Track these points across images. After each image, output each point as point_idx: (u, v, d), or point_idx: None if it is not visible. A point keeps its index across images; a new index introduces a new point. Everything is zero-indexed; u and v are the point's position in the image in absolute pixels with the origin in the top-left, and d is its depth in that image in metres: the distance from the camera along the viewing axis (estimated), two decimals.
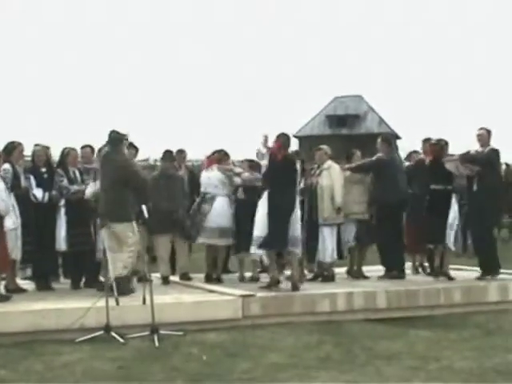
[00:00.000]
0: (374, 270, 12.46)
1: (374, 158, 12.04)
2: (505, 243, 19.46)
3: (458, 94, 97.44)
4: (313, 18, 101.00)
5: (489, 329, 9.81)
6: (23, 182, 10.39)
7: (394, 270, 11.84)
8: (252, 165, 11.69)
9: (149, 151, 11.54)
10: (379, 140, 12.18)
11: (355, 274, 12.07)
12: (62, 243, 10.69)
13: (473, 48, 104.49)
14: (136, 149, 11.97)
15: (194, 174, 13.29)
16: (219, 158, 11.79)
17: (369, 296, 10.47)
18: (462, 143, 12.19)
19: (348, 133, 60.90)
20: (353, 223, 11.84)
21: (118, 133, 10.13)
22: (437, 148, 11.82)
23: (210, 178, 11.59)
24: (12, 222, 9.86)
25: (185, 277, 11.63)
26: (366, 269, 12.38)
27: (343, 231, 11.85)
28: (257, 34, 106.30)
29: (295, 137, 60.99)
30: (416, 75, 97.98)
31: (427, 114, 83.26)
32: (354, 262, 12.21)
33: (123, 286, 9.49)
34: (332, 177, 11.40)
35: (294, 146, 49.56)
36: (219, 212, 11.40)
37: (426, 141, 12.25)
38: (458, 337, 9.30)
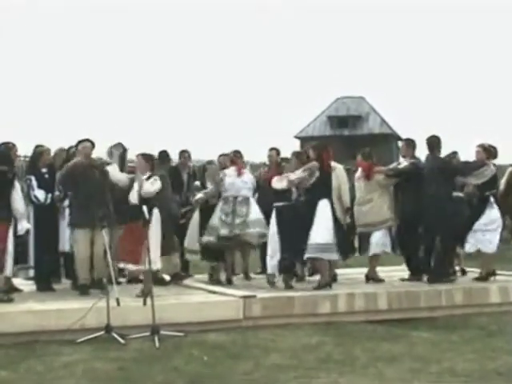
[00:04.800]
0: (390, 270, 12.51)
1: (408, 164, 11.71)
2: (505, 244, 19.41)
3: (460, 96, 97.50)
4: (315, 18, 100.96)
5: (490, 330, 9.79)
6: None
7: (420, 274, 11.78)
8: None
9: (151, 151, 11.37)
10: (404, 144, 12.10)
11: (370, 277, 11.94)
12: (65, 244, 10.70)
13: (477, 49, 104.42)
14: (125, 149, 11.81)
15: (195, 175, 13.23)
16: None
17: (370, 297, 10.45)
18: (465, 145, 12.13)
19: (349, 134, 60.86)
20: (383, 230, 11.68)
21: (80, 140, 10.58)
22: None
23: (247, 182, 11.61)
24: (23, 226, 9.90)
25: (176, 277, 11.58)
26: (386, 269, 12.41)
27: (375, 237, 11.64)
28: (259, 34, 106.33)
29: (297, 138, 61.06)
30: (418, 76, 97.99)
31: (429, 116, 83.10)
32: (374, 265, 12.00)
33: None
34: (338, 177, 11.30)
35: (296, 147, 49.73)
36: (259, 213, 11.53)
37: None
38: (460, 339, 9.28)
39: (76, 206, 10.36)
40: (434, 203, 11.30)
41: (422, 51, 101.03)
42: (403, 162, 11.93)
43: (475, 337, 9.40)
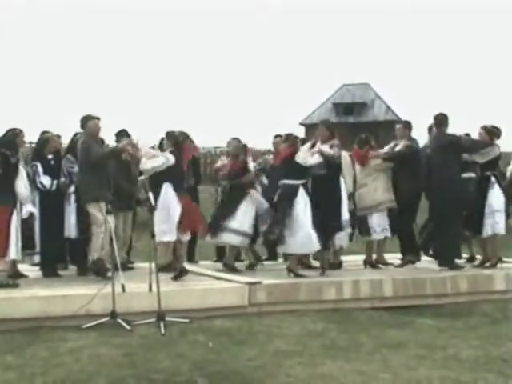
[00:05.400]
0: (391, 257, 12.50)
1: (403, 147, 11.79)
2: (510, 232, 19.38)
3: (465, 82, 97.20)
4: (320, 5, 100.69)
5: (495, 318, 9.81)
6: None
7: (410, 257, 11.85)
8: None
9: (155, 139, 11.44)
10: (400, 126, 12.09)
11: (377, 262, 11.96)
12: (71, 230, 10.70)
13: (482, 36, 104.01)
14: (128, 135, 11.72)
15: (196, 162, 13.25)
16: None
17: (375, 284, 10.46)
18: (471, 131, 12.12)
19: (355, 121, 60.72)
20: (381, 213, 11.73)
21: (85, 116, 10.40)
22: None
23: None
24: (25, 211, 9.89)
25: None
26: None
27: (370, 220, 11.73)
28: (264, 21, 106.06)
29: (302, 125, 60.96)
30: (423, 63, 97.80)
31: (434, 102, 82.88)
32: (371, 251, 12.09)
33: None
34: (342, 163, 11.33)
35: (301, 134, 49.68)
36: None
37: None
38: (465, 326, 9.30)
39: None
40: (443, 182, 11.28)
41: (426, 37, 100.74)
42: (399, 144, 11.93)
43: (480, 324, 9.42)
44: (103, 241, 10.20)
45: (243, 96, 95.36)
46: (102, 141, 11.02)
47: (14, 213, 9.55)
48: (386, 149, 12.17)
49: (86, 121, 10.45)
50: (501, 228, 11.82)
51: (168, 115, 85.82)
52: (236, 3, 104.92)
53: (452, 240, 11.53)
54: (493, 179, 11.75)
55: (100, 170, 10.31)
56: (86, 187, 10.34)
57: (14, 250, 9.54)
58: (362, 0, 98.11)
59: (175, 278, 10.10)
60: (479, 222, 11.73)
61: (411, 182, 11.49)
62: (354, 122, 59.59)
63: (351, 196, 11.52)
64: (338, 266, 11.55)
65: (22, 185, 9.68)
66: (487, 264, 12.01)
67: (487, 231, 11.78)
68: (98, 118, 10.54)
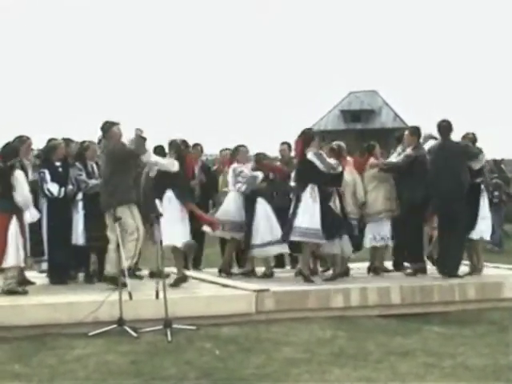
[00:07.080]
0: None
1: (405, 158, 11.57)
2: None
3: (474, 89, 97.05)
4: (328, 12, 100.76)
5: (503, 325, 9.75)
6: (30, 177, 10.31)
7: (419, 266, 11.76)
8: (259, 158, 11.71)
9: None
10: (407, 133, 11.91)
11: (377, 270, 11.92)
12: (79, 237, 10.68)
13: (490, 42, 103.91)
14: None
15: (208, 169, 13.21)
16: (232, 156, 11.86)
17: (383, 292, 10.42)
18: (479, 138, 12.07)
19: (362, 128, 60.72)
20: (382, 221, 11.65)
21: (107, 122, 10.22)
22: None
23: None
24: (29, 215, 9.87)
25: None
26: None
27: (370, 228, 11.68)
28: (272, 28, 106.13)
29: None
30: (431, 70, 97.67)
31: (443, 110, 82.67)
32: (375, 258, 12.04)
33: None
34: (353, 173, 11.37)
35: None
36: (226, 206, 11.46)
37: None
38: (473, 333, 9.25)
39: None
40: (459, 191, 11.22)
41: (435, 45, 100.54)
42: (403, 153, 11.82)
43: (488, 332, 9.37)
44: (136, 249, 9.99)
45: (249, 102, 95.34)
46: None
47: (14, 219, 9.52)
48: (393, 156, 12.10)
49: (110, 127, 10.18)
50: (488, 234, 11.89)
51: (171, 121, 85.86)
52: (236, 3, 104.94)
53: (455, 249, 11.45)
54: (482, 186, 11.77)
55: (132, 172, 10.27)
56: (117, 190, 9.88)
57: (12, 257, 9.49)
58: (370, 6, 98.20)
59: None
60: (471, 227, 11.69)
61: (415, 190, 11.40)
62: (361, 129, 59.57)
63: (363, 205, 11.53)
64: (344, 273, 11.50)
65: (19, 192, 9.59)
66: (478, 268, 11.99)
67: (473, 236, 11.75)
68: (119, 124, 10.42)
